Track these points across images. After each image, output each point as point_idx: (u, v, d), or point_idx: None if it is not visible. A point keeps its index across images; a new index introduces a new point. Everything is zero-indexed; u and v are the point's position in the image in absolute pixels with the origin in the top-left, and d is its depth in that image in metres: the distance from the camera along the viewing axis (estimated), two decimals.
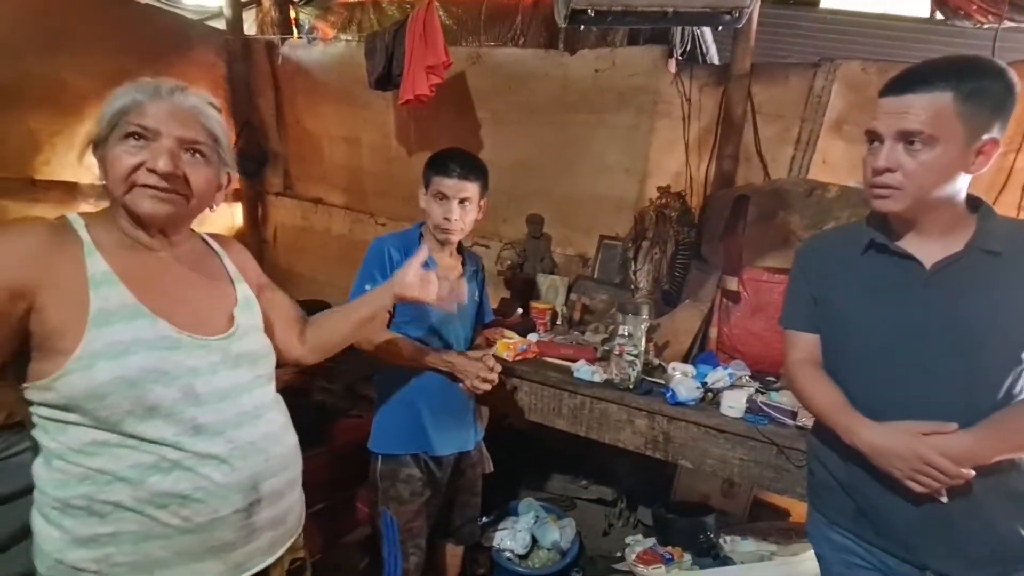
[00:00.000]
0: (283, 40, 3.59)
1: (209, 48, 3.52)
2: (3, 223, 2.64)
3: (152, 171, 0.82)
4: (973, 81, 0.88)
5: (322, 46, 3.49)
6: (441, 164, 1.49)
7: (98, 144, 0.84)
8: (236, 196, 3.90)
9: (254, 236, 3.97)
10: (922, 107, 0.89)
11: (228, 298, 0.97)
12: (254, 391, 0.94)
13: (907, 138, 0.91)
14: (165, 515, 0.81)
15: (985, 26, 2.25)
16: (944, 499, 0.92)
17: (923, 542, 0.97)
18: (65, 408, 0.78)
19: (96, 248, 0.82)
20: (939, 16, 2.50)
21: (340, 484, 1.89)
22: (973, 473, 0.89)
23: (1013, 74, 0.89)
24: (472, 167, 1.50)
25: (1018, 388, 0.93)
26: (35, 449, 0.83)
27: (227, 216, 3.91)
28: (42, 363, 0.77)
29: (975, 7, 2.27)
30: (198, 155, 0.87)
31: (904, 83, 0.92)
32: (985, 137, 0.90)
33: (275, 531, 0.95)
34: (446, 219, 1.48)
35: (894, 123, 0.92)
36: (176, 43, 3.31)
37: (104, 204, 0.90)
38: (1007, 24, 2.17)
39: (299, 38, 3.70)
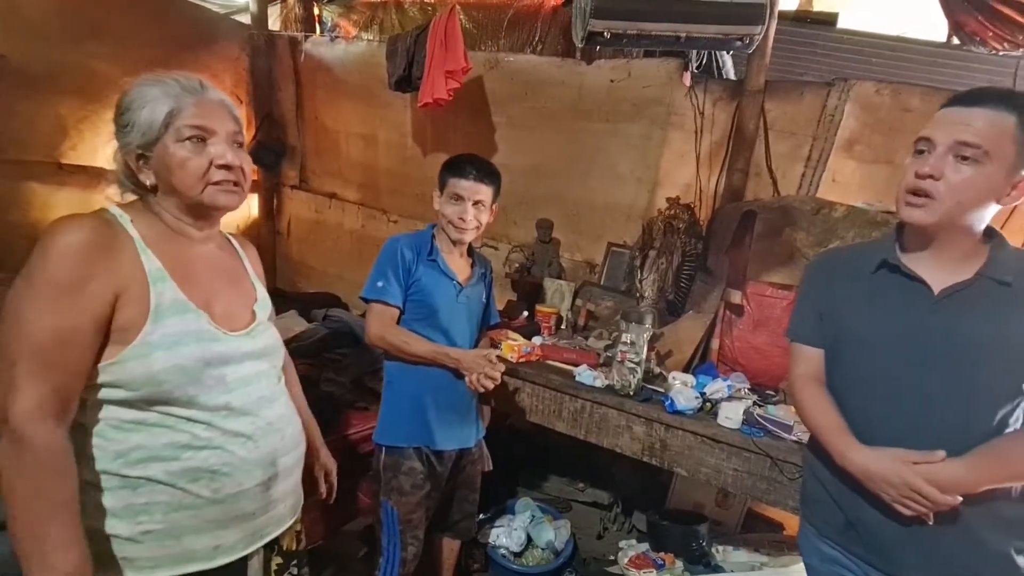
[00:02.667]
0: (306, 36, 3.66)
1: (234, 42, 3.60)
2: (45, 216, 2.72)
3: (224, 167, 0.90)
4: None
5: (344, 44, 3.55)
6: (458, 167, 1.56)
7: (146, 146, 0.88)
8: (253, 187, 3.97)
9: (268, 227, 4.04)
10: (986, 122, 0.90)
11: (250, 294, 1.05)
12: (271, 378, 1.02)
13: (961, 151, 0.91)
14: (196, 487, 0.87)
15: (1001, 53, 2.26)
16: (931, 522, 0.95)
17: (908, 558, 1.00)
18: (114, 386, 0.82)
19: (146, 245, 0.87)
20: (955, 41, 2.51)
21: (344, 474, 1.93)
22: (960, 500, 0.92)
23: None
24: (487, 171, 1.57)
25: (1012, 420, 0.96)
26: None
27: (243, 207, 3.96)
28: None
29: (991, 34, 2.28)
30: (237, 145, 0.94)
31: (973, 98, 0.93)
32: None
33: (286, 502, 1.03)
34: (461, 219, 1.55)
35: (953, 132, 0.91)
36: (203, 36, 3.39)
37: (127, 194, 0.94)
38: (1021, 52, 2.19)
39: (322, 35, 3.77)
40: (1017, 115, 0.89)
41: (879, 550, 1.03)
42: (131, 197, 0.94)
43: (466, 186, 1.54)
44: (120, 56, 2.81)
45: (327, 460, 1.29)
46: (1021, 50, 2.28)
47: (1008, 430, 0.96)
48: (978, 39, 2.36)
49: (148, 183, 0.89)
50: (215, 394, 0.89)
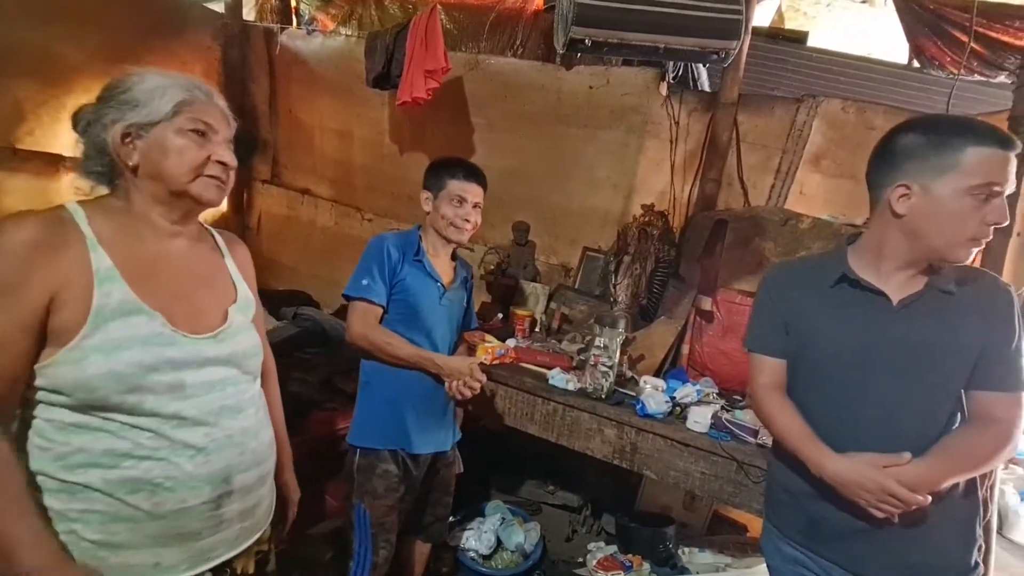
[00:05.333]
0: (282, 28, 3.58)
1: (206, 30, 3.49)
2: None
3: (220, 163, 0.91)
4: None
5: (321, 38, 3.49)
6: (458, 170, 1.60)
7: (143, 126, 0.86)
8: None
9: (238, 222, 3.93)
10: (1011, 165, 0.95)
11: (226, 295, 1.00)
12: (240, 385, 0.96)
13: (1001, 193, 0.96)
14: (135, 499, 0.82)
15: (956, 77, 2.39)
16: (896, 520, 1.00)
17: (867, 553, 1.06)
18: (50, 390, 0.79)
19: (99, 242, 0.83)
20: (916, 64, 2.64)
21: (311, 476, 1.89)
22: (930, 499, 0.97)
23: None
24: (481, 174, 1.64)
25: (957, 416, 1.05)
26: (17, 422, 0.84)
27: None
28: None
29: (948, 59, 2.40)
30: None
31: (1003, 141, 0.95)
32: None
33: (242, 523, 0.97)
34: (465, 220, 1.59)
35: (1007, 178, 0.96)
36: (174, 23, 3.27)
37: (98, 188, 0.91)
38: (976, 77, 2.31)
39: (299, 28, 3.69)
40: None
41: (840, 546, 1.08)
42: (102, 191, 0.91)
43: (468, 188, 1.58)
44: (84, 39, 2.68)
45: (289, 490, 1.21)
46: (975, 75, 2.40)
47: (954, 426, 1.04)
48: (936, 63, 2.48)
49: (130, 162, 0.86)
50: (165, 401, 0.84)
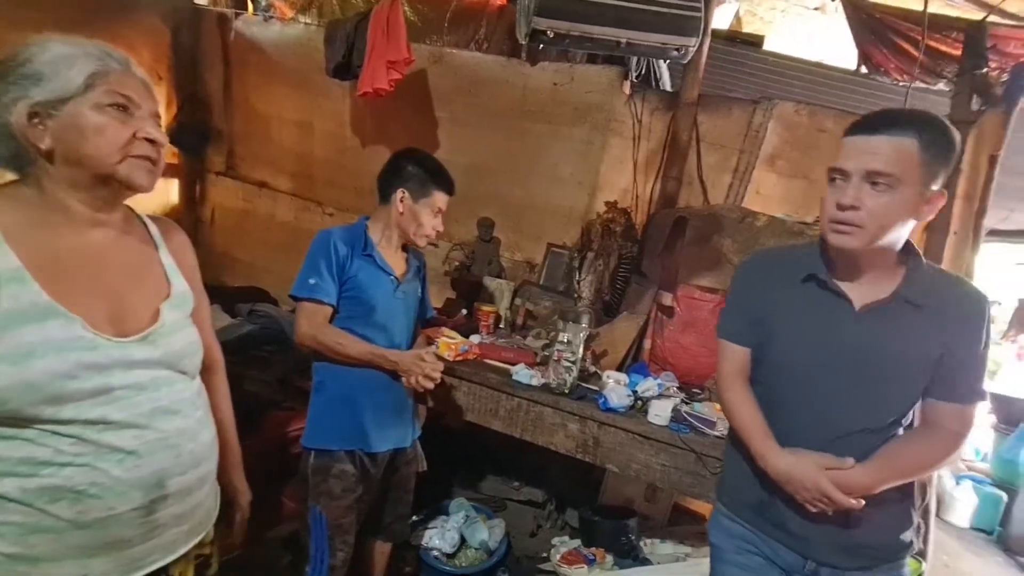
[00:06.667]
0: (237, 14, 3.45)
1: (154, 13, 3.33)
2: None
3: (148, 140, 0.83)
4: (934, 133, 0.96)
5: (279, 25, 3.38)
6: (444, 181, 1.60)
7: (51, 104, 0.77)
8: (173, 172, 3.69)
9: (190, 215, 3.76)
10: (891, 149, 0.95)
11: (157, 290, 0.93)
12: (175, 385, 0.89)
13: (873, 178, 0.96)
14: (55, 509, 0.76)
15: (900, 84, 2.51)
16: (830, 514, 1.05)
17: (812, 535, 1.10)
18: None
19: (5, 239, 0.75)
20: (864, 70, 2.76)
21: (266, 478, 1.83)
22: (863, 503, 1.02)
23: (957, 134, 0.99)
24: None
25: (904, 422, 1.08)
26: None
27: (162, 193, 3.69)
28: None
29: (893, 66, 2.53)
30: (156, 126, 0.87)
31: (874, 125, 0.98)
32: (934, 188, 0.98)
33: (179, 527, 0.91)
34: (437, 232, 1.60)
35: (863, 162, 0.97)
36: (120, 3, 3.10)
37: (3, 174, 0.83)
38: (919, 84, 2.44)
39: (254, 14, 3.56)
40: (918, 137, 0.96)
41: (788, 528, 1.12)
42: (10, 178, 0.81)
43: (447, 200, 1.59)
44: (16, 15, 2.49)
45: (236, 491, 1.14)
46: (916, 82, 2.54)
47: (901, 431, 1.08)
48: (882, 70, 2.61)
49: (42, 146, 0.77)
50: (88, 406, 0.77)
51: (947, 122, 0.99)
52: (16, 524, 0.75)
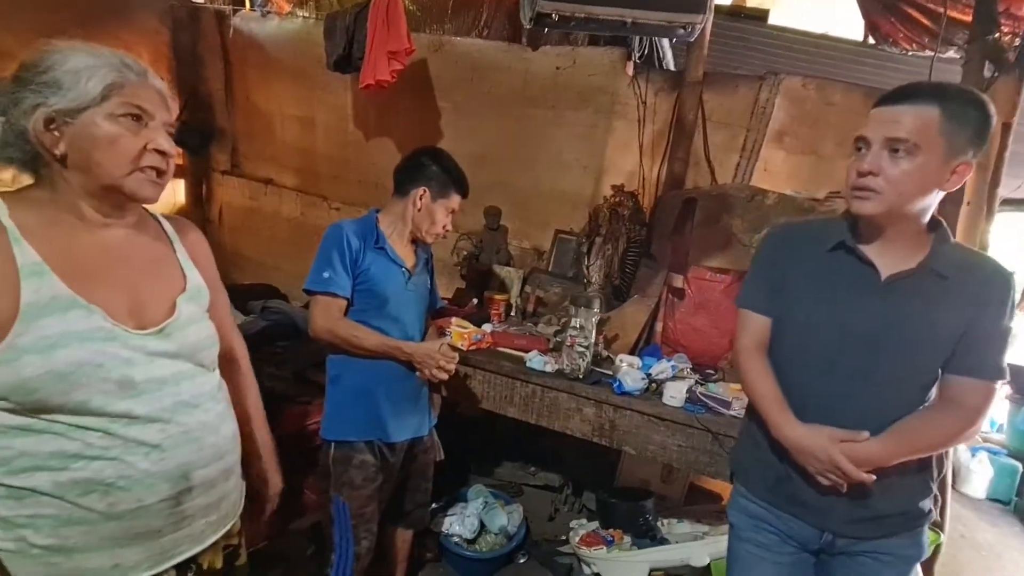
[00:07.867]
0: (235, 11, 3.43)
1: (152, 13, 3.32)
2: None
3: (158, 152, 0.84)
4: (958, 104, 0.96)
5: (277, 21, 3.36)
6: (463, 184, 1.62)
7: (68, 112, 0.78)
8: (179, 172, 3.70)
9: (197, 215, 3.79)
10: (911, 117, 0.96)
11: (173, 284, 0.95)
12: (195, 379, 0.92)
13: (893, 145, 0.97)
14: (87, 501, 0.79)
15: (910, 53, 2.46)
16: (844, 490, 1.05)
17: (829, 507, 1.11)
18: None
19: (23, 235, 0.77)
20: (872, 41, 2.71)
21: (287, 471, 1.86)
22: (874, 478, 1.02)
23: (992, 107, 0.99)
24: None
25: (924, 398, 1.08)
26: None
27: (169, 193, 3.69)
28: None
29: (902, 35, 2.47)
30: (169, 136, 0.88)
31: (897, 96, 0.99)
32: (961, 158, 0.97)
33: (207, 518, 0.94)
34: (447, 230, 1.63)
35: (883, 130, 0.98)
36: (115, 4, 3.09)
37: (20, 177, 0.84)
38: (938, 55, 2.38)
39: (252, 10, 3.54)
40: (940, 106, 0.96)
41: (804, 501, 1.13)
42: (26, 180, 0.83)
43: (459, 203, 1.63)
44: (12, 19, 2.49)
45: (264, 482, 1.18)
46: (926, 51, 2.48)
47: (922, 406, 1.07)
48: (891, 40, 2.55)
49: (56, 152, 0.79)
50: (114, 399, 0.79)
51: (979, 94, 0.99)
52: (50, 516, 0.77)
